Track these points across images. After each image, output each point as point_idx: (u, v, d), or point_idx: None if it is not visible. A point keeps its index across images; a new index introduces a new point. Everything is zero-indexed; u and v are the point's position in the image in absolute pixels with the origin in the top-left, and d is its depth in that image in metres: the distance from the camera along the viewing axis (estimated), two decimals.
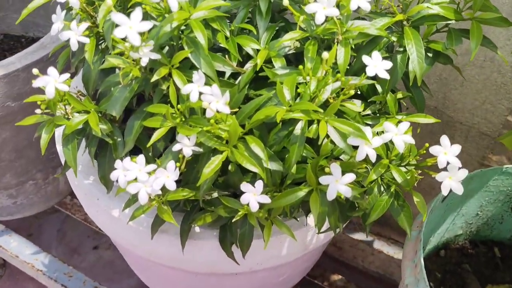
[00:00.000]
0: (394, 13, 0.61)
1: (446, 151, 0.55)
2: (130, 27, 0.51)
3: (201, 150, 0.57)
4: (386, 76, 0.56)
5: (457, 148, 0.55)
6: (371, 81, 0.59)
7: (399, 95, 0.64)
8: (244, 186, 0.55)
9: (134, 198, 0.63)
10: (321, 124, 0.53)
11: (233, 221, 0.60)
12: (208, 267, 0.73)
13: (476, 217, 0.91)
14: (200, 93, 0.55)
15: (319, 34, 0.59)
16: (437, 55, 0.63)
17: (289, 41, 0.59)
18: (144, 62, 0.56)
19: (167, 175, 0.56)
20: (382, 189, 0.60)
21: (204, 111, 0.56)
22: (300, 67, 0.57)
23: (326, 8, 0.55)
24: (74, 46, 0.60)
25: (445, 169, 0.55)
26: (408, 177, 0.57)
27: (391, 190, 0.59)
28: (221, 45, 0.63)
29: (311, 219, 0.71)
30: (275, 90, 0.58)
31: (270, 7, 0.64)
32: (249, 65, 0.61)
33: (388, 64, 0.56)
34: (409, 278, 0.74)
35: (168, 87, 0.59)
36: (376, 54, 0.56)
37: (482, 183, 0.84)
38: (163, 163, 0.58)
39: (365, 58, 0.56)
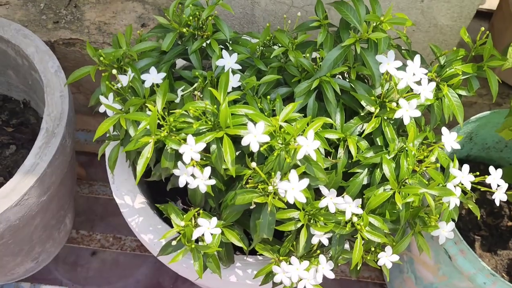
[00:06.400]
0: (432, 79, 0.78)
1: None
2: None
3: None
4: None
5: None
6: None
7: None
8: None
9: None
10: (427, 197, 0.71)
11: None
12: None
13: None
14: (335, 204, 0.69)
15: (392, 118, 0.74)
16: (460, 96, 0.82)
17: (371, 130, 0.74)
18: (282, 193, 0.68)
19: (323, 266, 0.72)
20: None
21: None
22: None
23: (408, 110, 0.70)
24: (203, 190, 0.69)
25: None
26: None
27: None
28: None
29: None
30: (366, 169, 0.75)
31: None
32: (341, 154, 0.75)
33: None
34: None
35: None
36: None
37: None
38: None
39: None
